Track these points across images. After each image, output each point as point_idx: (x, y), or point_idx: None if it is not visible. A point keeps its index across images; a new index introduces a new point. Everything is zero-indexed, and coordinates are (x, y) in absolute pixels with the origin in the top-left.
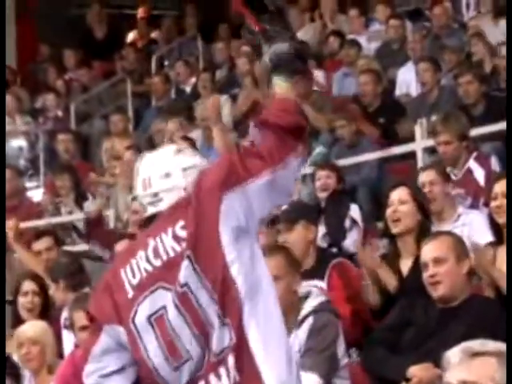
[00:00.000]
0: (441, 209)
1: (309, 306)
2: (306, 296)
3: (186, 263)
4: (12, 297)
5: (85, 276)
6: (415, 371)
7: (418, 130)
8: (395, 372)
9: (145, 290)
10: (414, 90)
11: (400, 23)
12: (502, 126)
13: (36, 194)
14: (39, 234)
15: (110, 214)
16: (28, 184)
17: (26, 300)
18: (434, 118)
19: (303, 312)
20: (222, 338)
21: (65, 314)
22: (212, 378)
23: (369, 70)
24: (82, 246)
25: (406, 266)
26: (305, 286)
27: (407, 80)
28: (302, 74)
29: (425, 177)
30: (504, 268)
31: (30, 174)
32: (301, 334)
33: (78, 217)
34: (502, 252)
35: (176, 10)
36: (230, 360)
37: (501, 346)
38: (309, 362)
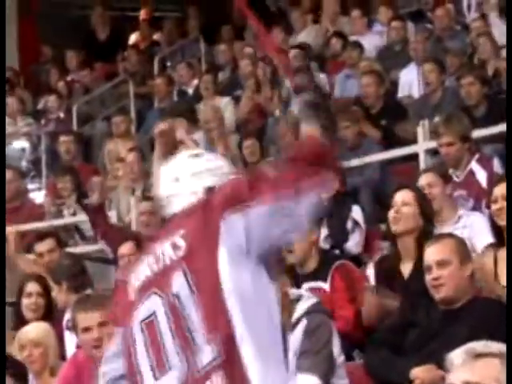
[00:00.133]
0: (440, 210)
1: (301, 308)
2: (298, 299)
3: (180, 274)
4: (15, 298)
5: (87, 278)
6: (418, 373)
7: (421, 131)
8: (398, 374)
9: (143, 294)
10: (416, 92)
11: (402, 25)
12: (503, 127)
13: (38, 195)
14: (41, 235)
15: (112, 215)
16: (30, 186)
17: (29, 301)
18: (436, 119)
19: (296, 315)
20: (205, 353)
21: (67, 316)
22: None
23: (371, 72)
24: (84, 248)
25: (406, 269)
26: (295, 292)
27: (409, 81)
28: (326, 122)
29: (424, 179)
30: (505, 270)
31: (32, 175)
32: (295, 337)
33: (80, 218)
34: (502, 254)
35: (178, 11)
36: (217, 378)
37: (504, 347)
38: (306, 364)
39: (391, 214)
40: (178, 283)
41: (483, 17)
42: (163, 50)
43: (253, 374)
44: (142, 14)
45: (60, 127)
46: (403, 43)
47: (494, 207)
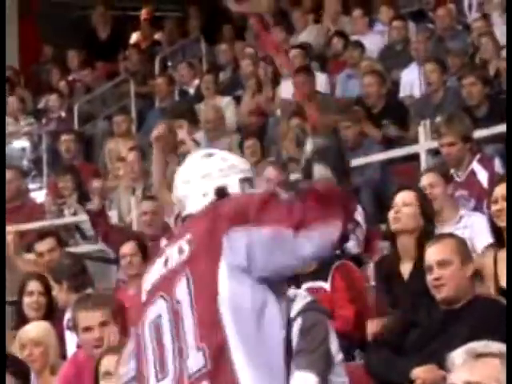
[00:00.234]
0: (441, 210)
1: (296, 307)
2: (292, 299)
3: (183, 279)
4: (17, 297)
5: (87, 277)
6: (419, 373)
7: (422, 131)
8: (399, 374)
9: (151, 296)
10: (418, 92)
11: (403, 24)
12: (504, 127)
13: (39, 195)
14: (41, 235)
15: (112, 215)
16: (31, 185)
17: (31, 300)
18: (438, 119)
19: (291, 314)
20: (194, 361)
21: (68, 315)
22: None
23: (373, 72)
24: (85, 247)
25: (406, 269)
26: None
27: (411, 81)
28: (340, 168)
29: (425, 179)
30: (504, 271)
31: (33, 175)
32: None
33: (81, 218)
34: (502, 255)
35: (179, 11)
36: None
37: (504, 348)
38: (303, 362)
39: (391, 213)
40: (181, 289)
41: (484, 17)
42: (164, 50)
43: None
44: (143, 14)
45: (61, 126)
46: (404, 43)
47: (493, 208)
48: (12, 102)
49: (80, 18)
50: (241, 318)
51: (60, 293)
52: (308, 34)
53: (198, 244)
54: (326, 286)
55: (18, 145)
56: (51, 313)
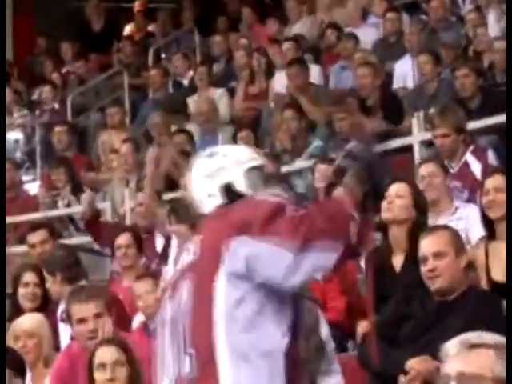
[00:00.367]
0: (438, 201)
1: None
2: None
3: (187, 282)
4: (11, 288)
5: (81, 269)
6: (413, 364)
7: (415, 123)
8: (392, 364)
9: (167, 294)
10: (411, 83)
11: (397, 16)
12: (498, 119)
13: (32, 186)
14: (34, 226)
15: (106, 206)
16: (24, 177)
17: (26, 291)
18: (431, 110)
19: None
20: (184, 365)
21: (61, 307)
22: None
23: (366, 63)
24: (78, 239)
25: (398, 261)
26: None
27: (404, 73)
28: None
29: (425, 169)
30: (496, 263)
31: (27, 166)
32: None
33: (74, 210)
34: (493, 247)
35: (173, 2)
36: None
37: (498, 338)
38: None
39: (384, 204)
40: (183, 293)
41: (478, 8)
42: (158, 42)
43: None
44: (137, 5)
45: (54, 118)
46: (398, 35)
47: (485, 199)
48: (6, 94)
49: (74, 9)
50: (233, 327)
51: (53, 285)
52: (302, 26)
53: (203, 249)
54: (318, 276)
55: (12, 137)
56: (46, 304)
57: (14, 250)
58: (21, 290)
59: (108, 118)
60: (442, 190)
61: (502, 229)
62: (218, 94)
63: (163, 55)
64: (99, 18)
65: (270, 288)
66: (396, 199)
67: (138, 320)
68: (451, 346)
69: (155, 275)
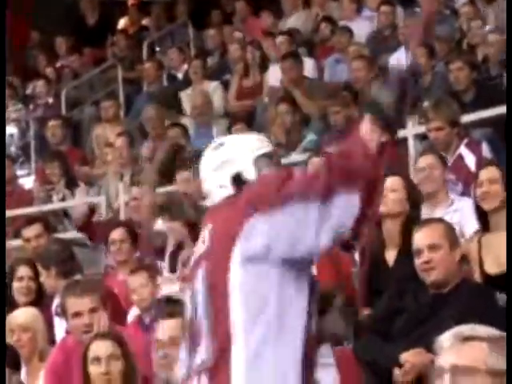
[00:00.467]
0: (437, 193)
1: None
2: None
3: (201, 270)
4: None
5: (76, 263)
6: (408, 357)
7: (410, 116)
8: (388, 358)
9: (187, 283)
10: None
11: (391, 9)
12: (492, 112)
13: (27, 181)
14: (29, 221)
15: (100, 200)
16: (19, 171)
17: (21, 285)
18: (426, 103)
19: None
20: (200, 352)
21: (56, 301)
22: None
23: (361, 56)
24: (73, 233)
25: (391, 256)
26: None
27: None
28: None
29: (424, 161)
30: (489, 256)
31: (21, 161)
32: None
33: (69, 204)
34: (486, 239)
35: None
36: (204, 378)
37: (491, 331)
38: None
39: None
40: (199, 279)
41: (472, 1)
42: (152, 35)
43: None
44: None
45: (49, 112)
46: (392, 28)
47: (479, 191)
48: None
49: (68, 3)
50: (250, 311)
51: (48, 279)
52: (296, 20)
53: (214, 236)
54: (313, 270)
55: (6, 131)
56: (41, 298)
57: (9, 243)
58: (15, 284)
59: (102, 111)
60: (440, 183)
61: (495, 220)
62: (212, 87)
63: (157, 49)
64: (93, 11)
65: (287, 266)
66: (389, 193)
67: (133, 314)
68: (445, 339)
69: (150, 269)
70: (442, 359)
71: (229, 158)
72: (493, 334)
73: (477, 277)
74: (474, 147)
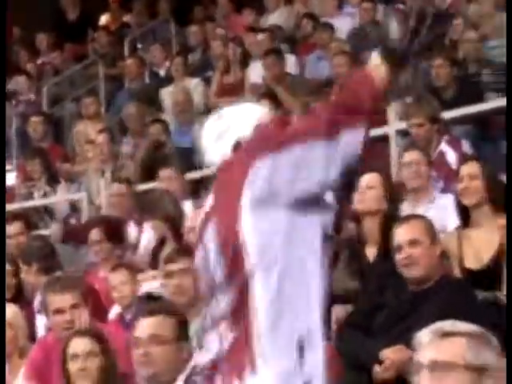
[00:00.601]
0: (420, 189)
1: None
2: None
3: (210, 225)
4: None
5: (56, 260)
6: (388, 353)
7: (392, 112)
8: (368, 354)
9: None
10: None
11: (372, 6)
12: (473, 109)
13: (9, 177)
14: (9, 218)
15: (82, 197)
16: None
17: None
18: (407, 100)
19: None
20: (219, 302)
21: (38, 298)
22: (209, 338)
23: (343, 52)
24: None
25: (371, 252)
26: None
27: None
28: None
29: (409, 156)
30: (469, 252)
31: None
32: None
33: (50, 200)
34: (466, 234)
35: None
36: (225, 326)
37: (471, 327)
38: None
39: (356, 195)
40: (210, 236)
41: None
42: (133, 32)
43: (260, 327)
44: None
45: (30, 109)
46: (374, 24)
47: (459, 186)
48: None
49: None
50: (264, 257)
51: (29, 275)
52: (278, 16)
53: (221, 188)
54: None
55: None
56: (20, 294)
57: None
58: None
59: (83, 108)
60: (425, 178)
61: (476, 216)
62: (193, 83)
63: (139, 45)
64: (74, 7)
65: (298, 209)
66: (367, 190)
67: (114, 312)
68: (424, 335)
69: (130, 266)
70: (420, 355)
71: (230, 126)
72: (473, 329)
73: (457, 272)
74: (454, 144)
